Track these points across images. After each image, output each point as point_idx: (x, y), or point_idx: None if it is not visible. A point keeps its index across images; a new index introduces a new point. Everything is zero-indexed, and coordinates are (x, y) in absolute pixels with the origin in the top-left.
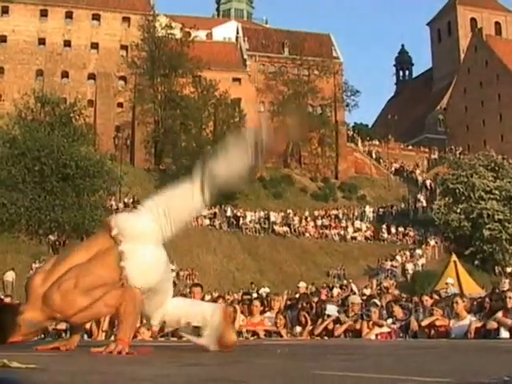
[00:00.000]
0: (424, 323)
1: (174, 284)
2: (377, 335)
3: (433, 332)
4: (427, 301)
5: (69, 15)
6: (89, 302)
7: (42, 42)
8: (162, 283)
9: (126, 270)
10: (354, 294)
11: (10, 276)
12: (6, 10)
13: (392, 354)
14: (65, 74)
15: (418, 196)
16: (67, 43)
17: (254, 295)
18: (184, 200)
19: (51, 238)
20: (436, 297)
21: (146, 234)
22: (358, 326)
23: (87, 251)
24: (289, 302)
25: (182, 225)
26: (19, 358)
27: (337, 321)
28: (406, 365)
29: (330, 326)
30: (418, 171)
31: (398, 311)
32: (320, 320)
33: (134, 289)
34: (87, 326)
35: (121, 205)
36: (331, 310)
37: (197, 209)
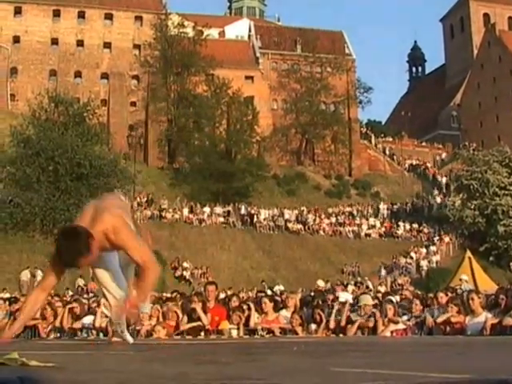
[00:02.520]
0: (439, 320)
1: (189, 282)
2: (392, 332)
3: (448, 329)
4: (442, 297)
5: (81, 15)
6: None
7: (54, 42)
8: None
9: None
10: (370, 290)
11: (25, 275)
12: (18, 11)
13: (408, 351)
14: (78, 74)
15: (432, 192)
16: (80, 43)
17: (269, 293)
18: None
19: None
20: (451, 293)
21: None
22: (370, 324)
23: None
24: (304, 300)
25: None
26: (37, 356)
27: (349, 320)
28: (424, 361)
29: (343, 319)
30: (431, 168)
31: (417, 306)
32: (333, 313)
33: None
34: (103, 324)
35: (135, 203)
36: (344, 296)
37: None
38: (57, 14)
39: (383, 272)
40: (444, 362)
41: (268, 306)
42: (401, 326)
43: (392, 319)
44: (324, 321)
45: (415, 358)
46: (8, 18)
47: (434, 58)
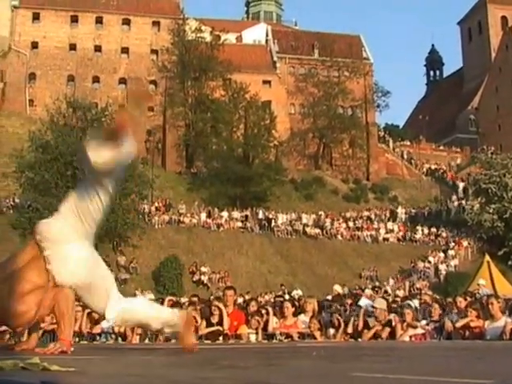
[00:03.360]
0: (458, 324)
1: (207, 287)
2: (411, 337)
3: (467, 333)
4: (461, 302)
5: (99, 20)
6: (25, 307)
7: (72, 47)
8: (95, 277)
9: (52, 272)
10: (389, 295)
11: None
12: (37, 17)
13: (428, 356)
14: (96, 79)
15: (450, 196)
16: (98, 48)
17: (287, 297)
18: (85, 195)
19: None
20: (470, 298)
21: (63, 234)
22: (385, 333)
23: (20, 259)
24: (322, 305)
25: (97, 216)
26: (58, 361)
27: (366, 325)
28: (444, 366)
29: (361, 324)
30: (449, 172)
31: (436, 311)
32: (351, 318)
33: (64, 289)
34: (121, 329)
35: (153, 208)
36: (364, 302)
37: (100, 197)
38: (75, 19)
39: (391, 282)
40: (464, 366)
41: (289, 310)
42: (419, 331)
43: (411, 324)
44: (342, 325)
45: (435, 362)
46: (26, 24)
47: (452, 62)
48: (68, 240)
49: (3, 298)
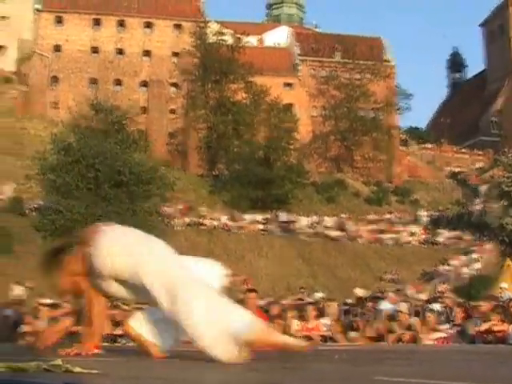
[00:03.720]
0: (481, 329)
1: (228, 289)
2: (433, 340)
3: (490, 337)
4: (484, 306)
5: (121, 23)
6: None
7: (95, 50)
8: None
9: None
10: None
11: None
12: (59, 20)
13: (451, 360)
14: (118, 82)
15: (473, 199)
16: (120, 51)
17: (308, 300)
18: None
19: None
20: (492, 302)
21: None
22: (407, 337)
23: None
24: (344, 308)
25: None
26: (81, 363)
27: (388, 329)
28: (467, 371)
29: (383, 327)
30: (472, 174)
31: (459, 314)
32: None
33: (100, 297)
34: None
35: (174, 210)
36: (384, 305)
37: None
38: (97, 22)
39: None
40: (487, 371)
41: (312, 313)
42: (442, 335)
43: (433, 327)
44: (363, 329)
45: (458, 366)
46: (49, 28)
47: (474, 64)
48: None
49: None
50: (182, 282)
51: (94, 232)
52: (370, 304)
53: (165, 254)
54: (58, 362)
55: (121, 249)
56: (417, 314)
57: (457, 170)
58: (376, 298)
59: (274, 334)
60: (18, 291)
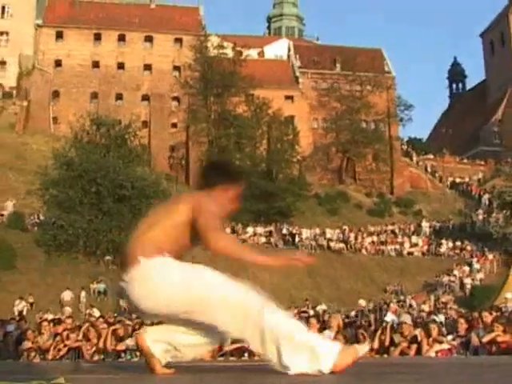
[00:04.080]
0: (485, 339)
1: None
2: (437, 352)
3: (494, 348)
4: (487, 317)
5: (122, 38)
6: None
7: (96, 65)
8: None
9: None
10: (414, 309)
11: (67, 295)
12: (60, 35)
13: (457, 372)
14: (119, 96)
15: (475, 210)
16: (121, 65)
17: (311, 312)
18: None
19: (108, 258)
20: (496, 312)
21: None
22: (411, 350)
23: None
24: (347, 320)
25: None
26: (84, 381)
27: (391, 341)
28: (474, 383)
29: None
30: (473, 184)
31: (462, 325)
32: (379, 330)
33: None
34: None
35: None
36: (389, 317)
37: None
38: (97, 37)
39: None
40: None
41: (314, 326)
42: (445, 346)
43: (437, 339)
44: (367, 341)
45: (465, 380)
46: (50, 43)
47: (475, 74)
48: None
49: None
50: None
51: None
52: (373, 316)
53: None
54: (61, 380)
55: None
56: (420, 325)
57: (458, 180)
58: (379, 310)
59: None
60: (20, 306)
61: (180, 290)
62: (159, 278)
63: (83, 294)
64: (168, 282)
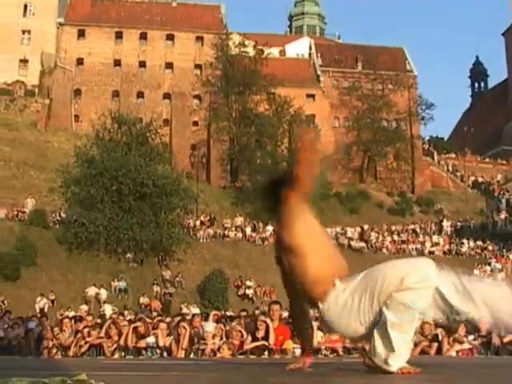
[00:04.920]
0: (506, 340)
1: (252, 301)
2: (457, 352)
3: None
4: None
5: (143, 36)
6: None
7: (117, 63)
8: None
9: None
10: None
11: (92, 291)
12: (82, 34)
13: (479, 373)
14: (140, 94)
15: (497, 209)
16: (142, 64)
17: None
18: None
19: (129, 256)
20: None
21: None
22: (432, 350)
23: None
24: None
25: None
26: (106, 377)
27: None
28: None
29: None
30: (495, 184)
31: (483, 325)
32: None
33: None
34: (167, 343)
35: (198, 222)
36: None
37: None
38: (119, 35)
39: None
40: None
41: None
42: (466, 346)
43: (458, 339)
44: None
45: (488, 380)
46: (72, 41)
47: (497, 73)
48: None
49: None
50: None
51: None
52: None
53: None
54: (83, 376)
55: None
56: (441, 325)
57: (480, 179)
58: None
59: None
60: (41, 304)
61: None
62: None
63: (103, 291)
64: None
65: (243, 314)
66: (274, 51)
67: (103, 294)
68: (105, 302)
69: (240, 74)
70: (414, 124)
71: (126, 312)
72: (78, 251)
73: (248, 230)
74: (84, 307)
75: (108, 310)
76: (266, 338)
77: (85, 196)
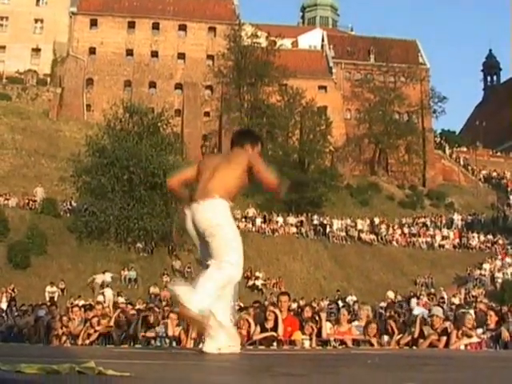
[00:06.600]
0: None
1: (261, 292)
2: (466, 345)
3: None
4: None
5: (156, 26)
6: None
7: (129, 53)
8: None
9: None
10: (444, 302)
11: (100, 278)
12: (94, 23)
13: (487, 367)
14: (152, 84)
15: (508, 203)
16: (154, 54)
17: (341, 304)
18: None
19: (139, 245)
20: None
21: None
22: (441, 343)
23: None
24: (377, 311)
25: None
26: (113, 365)
27: (421, 335)
28: (505, 378)
29: (416, 331)
30: (507, 178)
31: (492, 319)
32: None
33: None
34: (176, 333)
35: None
36: (418, 310)
37: None
38: (131, 25)
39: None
40: None
41: (345, 317)
42: (475, 340)
43: (466, 332)
44: (396, 333)
45: (496, 374)
46: (84, 30)
47: (510, 67)
48: None
49: None
50: None
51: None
52: (403, 307)
53: None
54: (91, 364)
55: None
56: (451, 317)
57: (492, 173)
58: (408, 301)
59: None
60: (51, 292)
61: (223, 223)
62: (222, 209)
63: (107, 274)
64: (222, 216)
65: (256, 305)
66: (287, 42)
67: (107, 277)
68: (108, 286)
69: (252, 65)
70: (425, 117)
71: (136, 302)
72: (88, 240)
73: (258, 221)
74: (100, 298)
75: (108, 293)
76: (274, 328)
77: (96, 185)
